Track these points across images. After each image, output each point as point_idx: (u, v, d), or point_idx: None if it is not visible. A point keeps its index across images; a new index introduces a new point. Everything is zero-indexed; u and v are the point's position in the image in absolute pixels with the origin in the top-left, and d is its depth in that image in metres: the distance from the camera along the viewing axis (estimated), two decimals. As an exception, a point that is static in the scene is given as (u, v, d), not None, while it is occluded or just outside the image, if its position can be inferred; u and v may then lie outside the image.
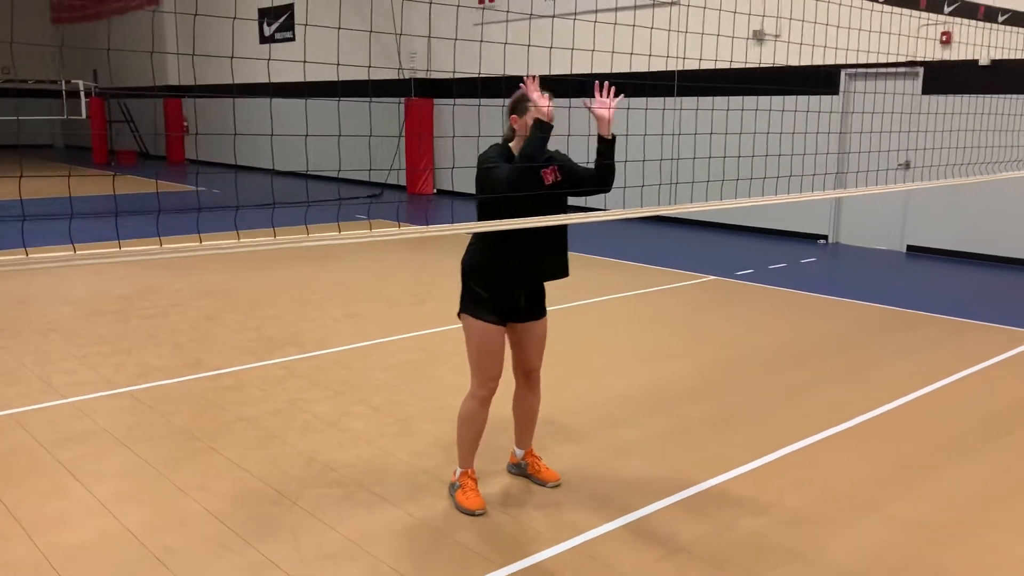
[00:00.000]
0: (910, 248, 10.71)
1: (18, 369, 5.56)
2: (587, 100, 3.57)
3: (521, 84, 3.51)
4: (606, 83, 3.55)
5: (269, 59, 18.51)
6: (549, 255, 3.67)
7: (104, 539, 3.38)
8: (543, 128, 3.44)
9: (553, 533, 3.50)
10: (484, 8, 14.85)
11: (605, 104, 3.55)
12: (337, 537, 3.41)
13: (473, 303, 3.66)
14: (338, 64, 4.02)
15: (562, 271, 3.73)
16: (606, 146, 3.58)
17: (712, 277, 8.92)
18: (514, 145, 3.65)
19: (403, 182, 16.88)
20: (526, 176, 3.45)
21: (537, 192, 3.51)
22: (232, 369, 5.57)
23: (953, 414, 4.98)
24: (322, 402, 4.97)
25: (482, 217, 3.56)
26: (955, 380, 5.59)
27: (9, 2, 25.74)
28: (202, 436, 4.43)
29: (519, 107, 3.60)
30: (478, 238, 3.67)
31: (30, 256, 2.39)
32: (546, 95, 3.50)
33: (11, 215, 11.99)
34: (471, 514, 3.62)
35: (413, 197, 16.40)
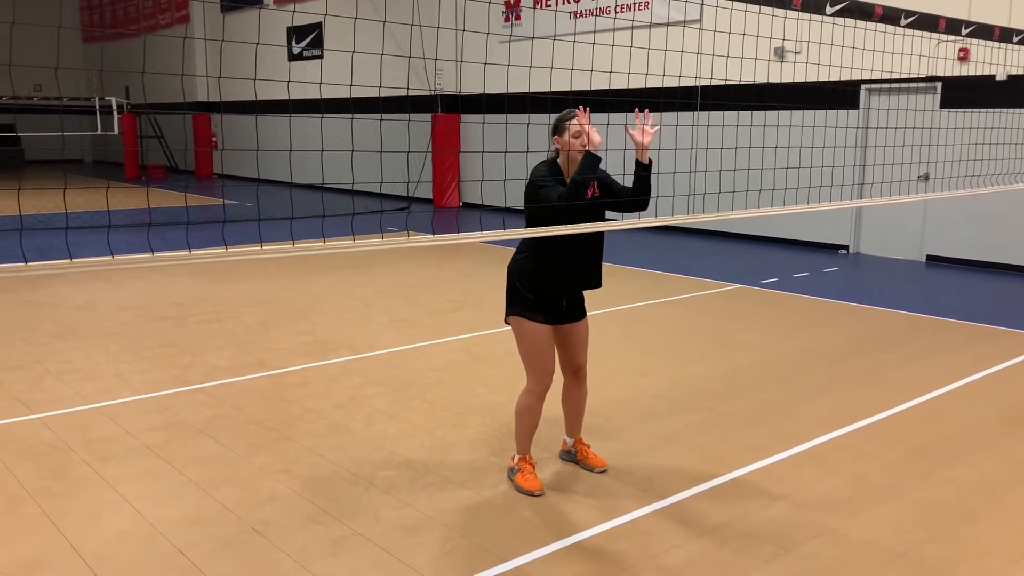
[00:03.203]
0: (929, 258, 11.00)
1: (93, 368, 5.98)
2: (628, 126, 3.94)
3: (576, 111, 3.88)
4: (646, 110, 3.92)
5: (322, 80, 19.04)
6: (588, 265, 4.05)
7: (202, 513, 3.77)
8: (593, 159, 3.80)
9: (604, 512, 3.85)
10: (512, 24, 15.31)
11: (645, 131, 3.91)
12: (413, 512, 3.78)
13: (523, 306, 4.02)
14: (351, 84, 4.35)
15: (597, 281, 4.10)
16: (643, 169, 3.95)
17: (739, 285, 9.26)
18: (561, 161, 4.02)
19: (430, 195, 17.34)
20: (574, 203, 3.81)
21: (579, 203, 3.87)
22: (293, 368, 5.98)
23: (970, 411, 5.30)
24: (381, 397, 5.36)
25: (531, 227, 3.93)
26: (973, 380, 5.90)
27: (44, 22, 26.50)
28: (276, 426, 4.83)
29: (560, 127, 3.98)
30: (527, 247, 4.04)
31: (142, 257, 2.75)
32: (590, 123, 3.86)
33: (92, 225, 12.49)
34: (530, 494, 3.99)
35: (440, 210, 16.84)
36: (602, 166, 3.89)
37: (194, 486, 4.05)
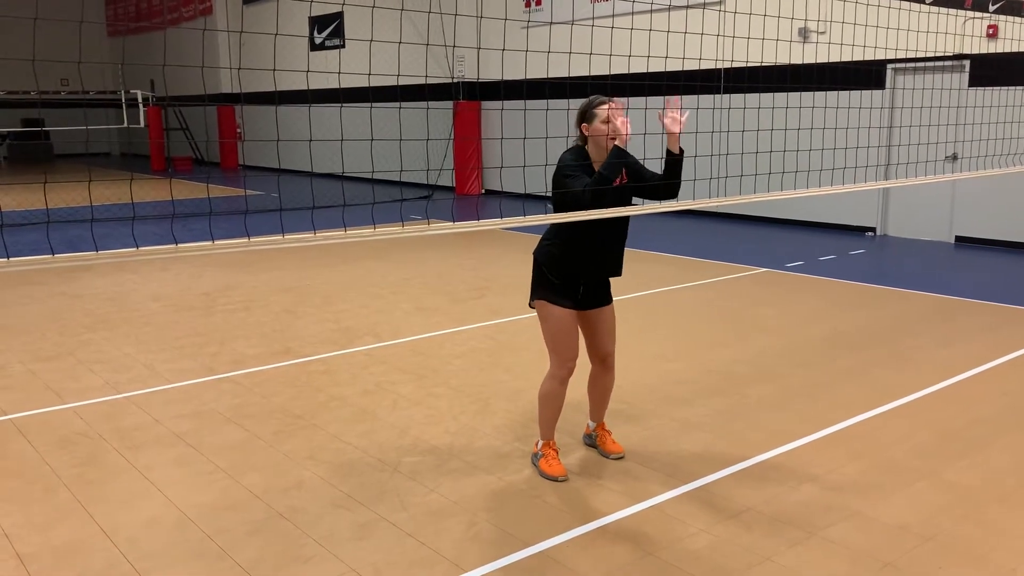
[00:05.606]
0: (958, 239, 10.85)
1: (123, 358, 6.07)
2: (661, 113, 3.90)
3: (608, 101, 3.85)
4: (676, 97, 3.88)
5: (344, 69, 19.09)
6: (613, 252, 4.03)
7: (231, 500, 3.82)
8: (622, 154, 3.78)
9: (629, 496, 3.85)
10: (531, 10, 15.23)
11: (676, 120, 3.87)
12: (438, 498, 3.81)
13: (548, 290, 4.02)
14: (370, 73, 4.37)
15: (618, 269, 4.10)
16: (674, 159, 3.92)
17: (763, 269, 9.19)
18: (589, 149, 3.99)
19: (452, 183, 17.35)
20: (599, 194, 3.79)
21: (606, 188, 3.85)
22: (319, 356, 6.03)
23: (1001, 394, 5.23)
24: (406, 384, 5.40)
25: (556, 213, 3.92)
26: (1003, 362, 5.82)
27: (69, 17, 26.77)
28: (302, 414, 4.88)
29: (587, 115, 3.95)
30: (554, 233, 4.03)
31: (178, 247, 2.79)
32: (624, 115, 3.82)
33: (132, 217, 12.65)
34: (554, 480, 4.00)
35: (461, 197, 16.85)
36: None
37: (222, 473, 4.10)
